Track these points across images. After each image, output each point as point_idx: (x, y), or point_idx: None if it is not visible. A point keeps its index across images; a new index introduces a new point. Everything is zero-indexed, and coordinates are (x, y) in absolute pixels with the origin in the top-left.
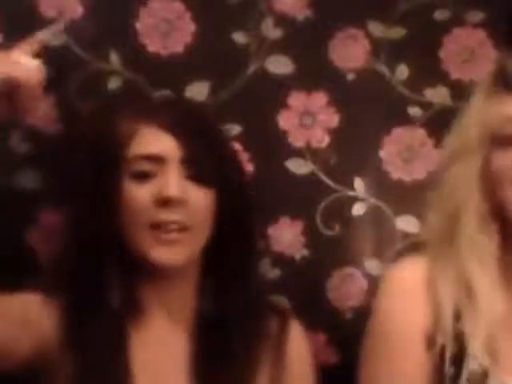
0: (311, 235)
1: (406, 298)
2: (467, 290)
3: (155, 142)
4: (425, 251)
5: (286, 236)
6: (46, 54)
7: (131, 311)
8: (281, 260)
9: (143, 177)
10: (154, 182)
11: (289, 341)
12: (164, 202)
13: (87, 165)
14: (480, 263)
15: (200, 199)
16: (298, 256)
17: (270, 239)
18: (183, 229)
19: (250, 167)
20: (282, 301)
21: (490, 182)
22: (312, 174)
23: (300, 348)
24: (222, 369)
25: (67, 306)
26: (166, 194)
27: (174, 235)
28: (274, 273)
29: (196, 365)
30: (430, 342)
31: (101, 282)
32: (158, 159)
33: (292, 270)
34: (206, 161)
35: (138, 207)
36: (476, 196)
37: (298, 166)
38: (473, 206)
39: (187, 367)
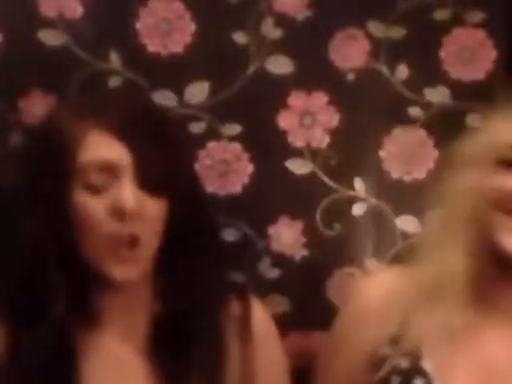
0: (311, 235)
1: (358, 323)
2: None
3: (105, 149)
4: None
5: (286, 236)
6: (46, 53)
7: (84, 321)
8: (281, 260)
9: (95, 186)
10: (107, 193)
11: (253, 322)
12: (119, 215)
13: (37, 173)
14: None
15: (155, 209)
16: (297, 256)
17: (270, 239)
18: (135, 241)
19: (250, 167)
20: (281, 300)
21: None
22: (312, 173)
23: (265, 328)
24: (186, 374)
25: (13, 321)
26: (122, 207)
27: (128, 253)
28: (273, 273)
29: (156, 372)
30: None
31: (48, 292)
32: (109, 167)
33: (292, 269)
34: (158, 169)
35: (92, 218)
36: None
37: (298, 166)
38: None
39: (145, 375)
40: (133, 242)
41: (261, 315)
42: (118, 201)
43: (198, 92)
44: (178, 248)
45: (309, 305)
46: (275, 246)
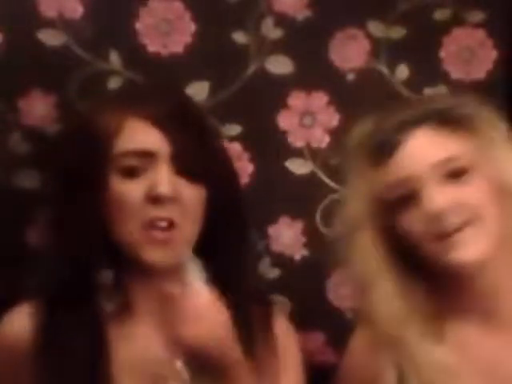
0: (311, 235)
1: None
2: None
3: (143, 136)
4: None
5: (286, 236)
6: (46, 54)
7: (119, 309)
8: (281, 260)
9: (132, 172)
10: (144, 178)
11: (275, 333)
12: (155, 199)
13: (74, 160)
14: (405, 324)
15: (191, 195)
16: (297, 256)
17: (270, 239)
18: (172, 226)
19: (250, 167)
20: (281, 300)
21: (409, 243)
22: (312, 173)
23: (286, 339)
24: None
25: (47, 305)
26: (158, 192)
27: (164, 234)
28: (273, 273)
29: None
30: None
31: (86, 279)
32: (147, 154)
33: (292, 269)
34: (195, 155)
35: (129, 204)
36: (384, 264)
37: (298, 166)
38: (385, 275)
39: (176, 369)
40: (168, 226)
41: (282, 327)
42: (153, 186)
43: (198, 92)
44: (214, 242)
45: (309, 305)
46: (275, 246)
